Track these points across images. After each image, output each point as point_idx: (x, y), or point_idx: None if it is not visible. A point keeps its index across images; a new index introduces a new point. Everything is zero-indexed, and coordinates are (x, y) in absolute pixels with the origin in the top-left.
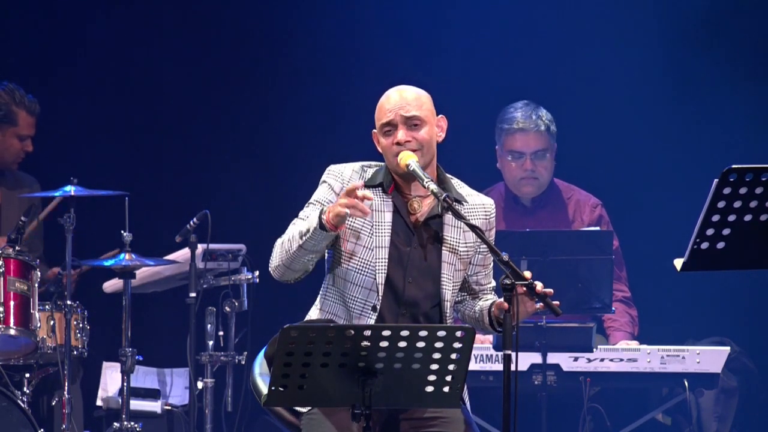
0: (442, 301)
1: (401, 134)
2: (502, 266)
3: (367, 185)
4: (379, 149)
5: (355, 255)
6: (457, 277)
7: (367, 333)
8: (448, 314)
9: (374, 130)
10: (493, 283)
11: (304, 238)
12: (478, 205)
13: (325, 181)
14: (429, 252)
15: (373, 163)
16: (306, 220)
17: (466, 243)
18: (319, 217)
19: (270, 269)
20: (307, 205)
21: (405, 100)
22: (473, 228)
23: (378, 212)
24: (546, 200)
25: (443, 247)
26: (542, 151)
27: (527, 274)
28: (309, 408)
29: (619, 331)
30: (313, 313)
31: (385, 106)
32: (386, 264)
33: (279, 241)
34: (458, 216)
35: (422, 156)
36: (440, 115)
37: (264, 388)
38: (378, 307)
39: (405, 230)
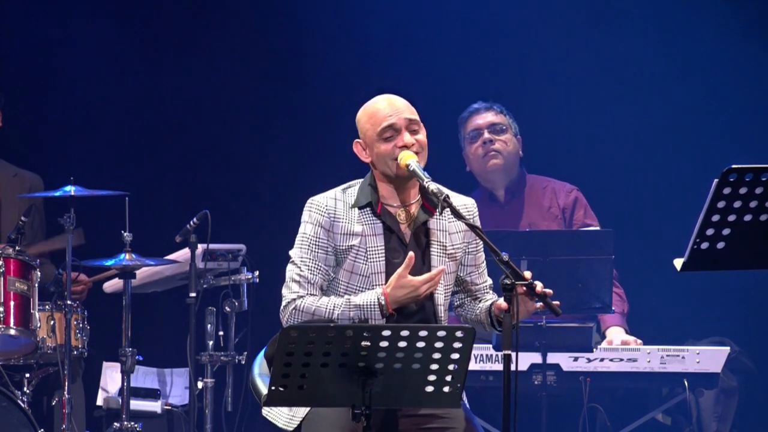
0: (436, 305)
1: (407, 137)
2: (502, 266)
3: (354, 207)
4: (367, 158)
5: (352, 283)
6: (448, 280)
7: (367, 333)
8: (442, 318)
9: (358, 140)
10: (490, 281)
11: (356, 321)
12: (460, 205)
13: (310, 221)
14: (419, 260)
15: (351, 183)
16: (357, 305)
17: (453, 245)
18: (379, 303)
19: (285, 324)
20: (299, 243)
21: (403, 104)
22: (473, 228)
23: (370, 237)
24: (519, 191)
25: (432, 253)
26: (498, 125)
27: (527, 274)
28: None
29: (610, 318)
30: None
31: (384, 111)
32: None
33: (297, 307)
34: (458, 216)
35: (422, 159)
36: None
37: (264, 389)
38: None
39: (397, 244)
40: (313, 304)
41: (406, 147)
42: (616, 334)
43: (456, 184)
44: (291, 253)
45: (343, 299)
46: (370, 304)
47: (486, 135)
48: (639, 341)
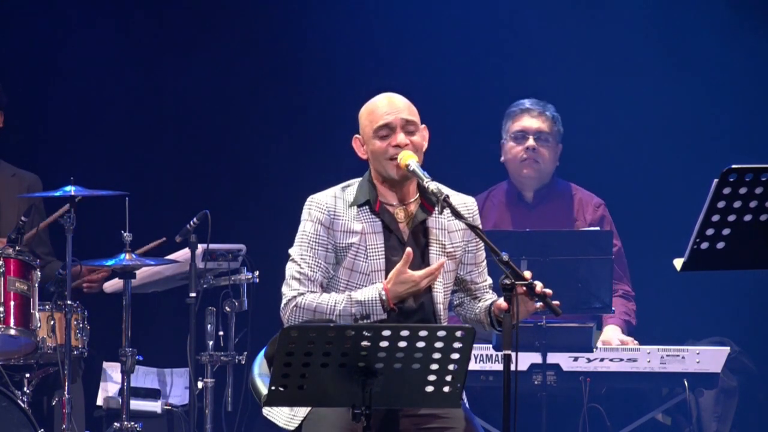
0: (435, 304)
1: (401, 137)
2: (502, 266)
3: (353, 205)
4: (364, 155)
5: (352, 281)
6: (447, 279)
7: (367, 333)
8: (442, 316)
9: (357, 136)
10: (490, 281)
11: (358, 316)
12: (460, 204)
13: (310, 219)
14: (418, 258)
15: (350, 182)
16: (358, 301)
17: (453, 244)
18: (381, 299)
19: (286, 322)
20: (299, 240)
21: (403, 104)
22: (473, 228)
23: (369, 234)
24: (549, 196)
25: (431, 252)
26: (545, 134)
27: (527, 274)
28: (307, 412)
29: (611, 318)
30: None
31: (382, 109)
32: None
33: (298, 304)
34: (458, 216)
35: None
36: (423, 125)
37: (264, 389)
38: None
39: (396, 243)
40: (314, 301)
41: (399, 147)
42: (612, 331)
43: (457, 182)
44: (291, 251)
45: (344, 295)
46: (372, 300)
47: (530, 142)
48: (636, 342)
